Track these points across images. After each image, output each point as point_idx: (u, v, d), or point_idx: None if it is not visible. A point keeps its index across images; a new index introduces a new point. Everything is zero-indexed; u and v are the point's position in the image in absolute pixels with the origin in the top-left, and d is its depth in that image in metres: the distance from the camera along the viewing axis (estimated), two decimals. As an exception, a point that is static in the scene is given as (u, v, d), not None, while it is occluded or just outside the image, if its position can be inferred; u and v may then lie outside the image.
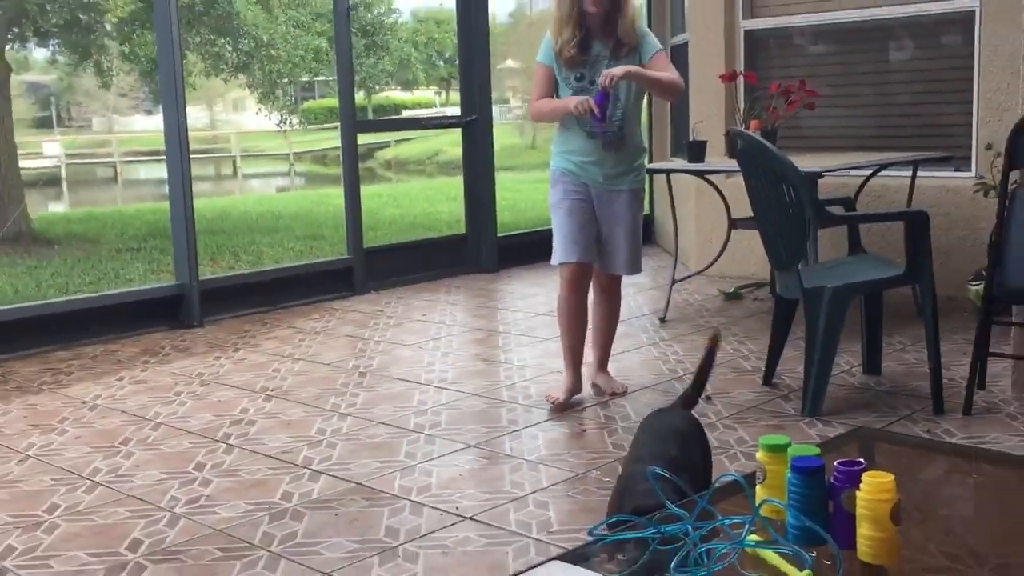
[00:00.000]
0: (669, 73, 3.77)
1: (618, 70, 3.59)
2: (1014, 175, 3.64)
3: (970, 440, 3.35)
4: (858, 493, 1.62)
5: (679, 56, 7.15)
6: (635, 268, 3.95)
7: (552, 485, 3.11)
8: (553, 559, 1.77)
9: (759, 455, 1.80)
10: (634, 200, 3.87)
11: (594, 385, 4.06)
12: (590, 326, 4.01)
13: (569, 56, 3.73)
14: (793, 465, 1.70)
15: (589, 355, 4.08)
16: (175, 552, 2.71)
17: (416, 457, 3.38)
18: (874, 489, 1.60)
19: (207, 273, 6.28)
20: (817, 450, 1.75)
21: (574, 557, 1.75)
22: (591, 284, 3.97)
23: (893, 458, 2.29)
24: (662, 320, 5.24)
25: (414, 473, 3.23)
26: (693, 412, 2.69)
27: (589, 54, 3.75)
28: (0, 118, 10.02)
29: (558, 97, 3.83)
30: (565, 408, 3.82)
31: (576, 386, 3.92)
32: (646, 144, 4.02)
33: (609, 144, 3.77)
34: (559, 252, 3.85)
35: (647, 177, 4.01)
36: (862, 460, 1.71)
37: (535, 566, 1.76)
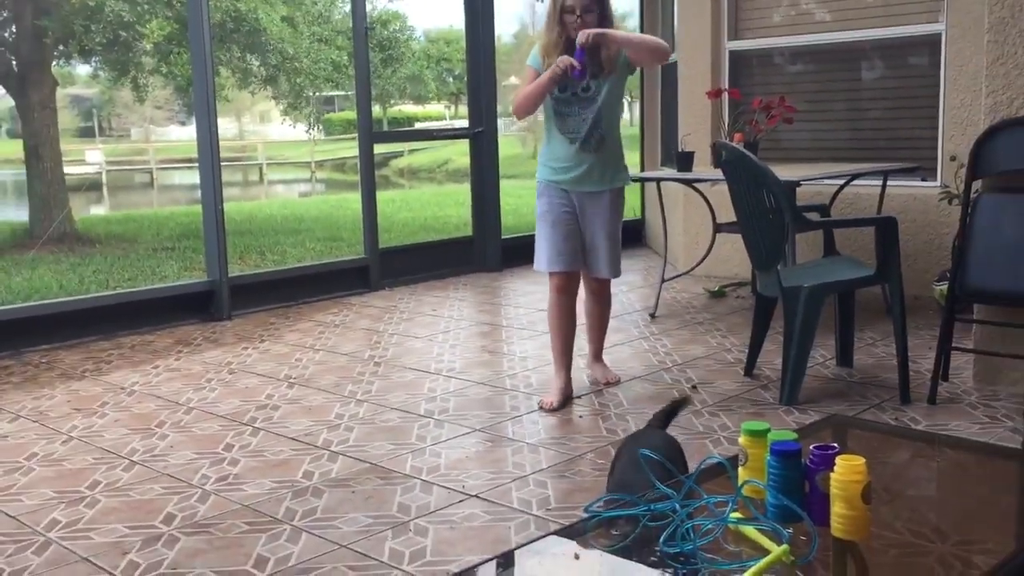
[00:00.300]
0: (649, 36, 3.60)
1: (594, 30, 3.44)
2: (976, 185, 3.64)
3: (934, 427, 3.35)
4: (832, 475, 1.62)
5: (669, 74, 7.15)
6: (618, 270, 3.83)
7: (551, 466, 3.11)
8: (551, 534, 1.77)
9: (741, 439, 1.80)
10: (614, 201, 3.74)
11: (590, 375, 4.04)
12: (585, 322, 3.96)
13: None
14: (772, 449, 1.70)
15: (585, 347, 4.07)
16: (205, 525, 2.71)
17: (426, 440, 3.37)
18: (846, 471, 1.60)
19: (236, 271, 6.27)
20: (794, 435, 1.75)
21: (570, 532, 1.75)
22: (581, 287, 3.89)
23: (864, 443, 2.29)
24: (652, 316, 5.23)
25: (424, 455, 3.23)
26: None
27: (572, 77, 3.55)
28: (47, 128, 10.03)
29: (545, 113, 3.69)
30: (558, 411, 3.65)
31: (567, 388, 3.78)
32: (625, 151, 3.85)
33: (588, 148, 3.64)
34: (544, 261, 3.73)
35: (631, 183, 3.88)
36: (836, 444, 1.71)
37: (535, 540, 1.76)
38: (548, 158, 3.73)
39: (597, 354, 4.05)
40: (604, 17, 3.55)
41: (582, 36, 3.45)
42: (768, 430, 1.78)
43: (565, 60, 3.44)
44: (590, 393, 3.88)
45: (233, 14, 9.44)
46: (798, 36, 6.06)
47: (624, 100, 3.89)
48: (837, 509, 1.60)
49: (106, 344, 4.93)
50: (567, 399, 3.74)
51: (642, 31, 7.78)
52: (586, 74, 3.52)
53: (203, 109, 5.37)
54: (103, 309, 5.16)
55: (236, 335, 5.08)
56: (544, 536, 1.78)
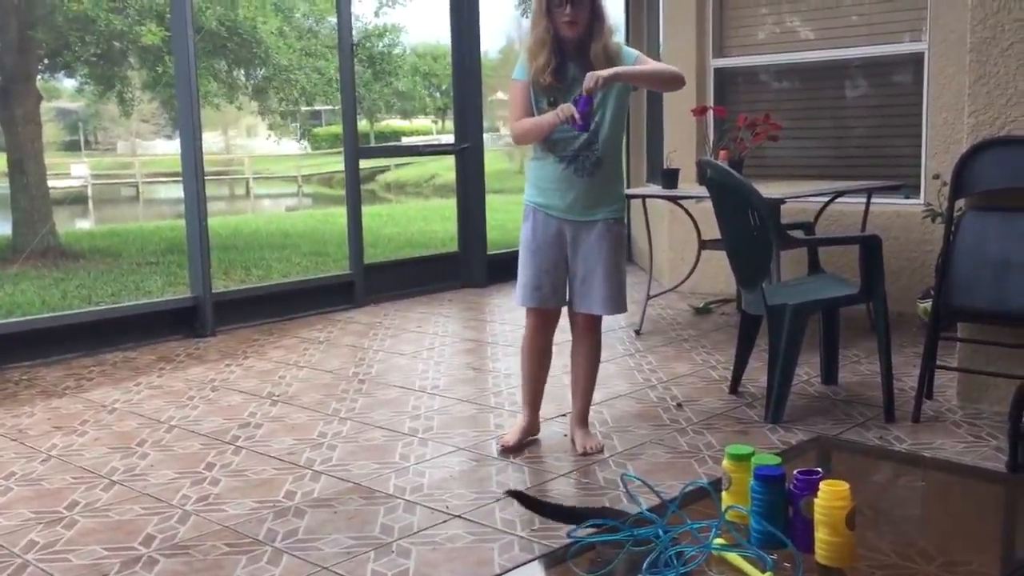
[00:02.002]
0: (661, 64, 3.32)
1: (604, 72, 3.05)
2: (959, 203, 3.65)
3: (919, 446, 3.34)
4: (816, 500, 1.60)
5: (654, 91, 7.16)
6: (616, 307, 3.33)
7: (535, 485, 3.08)
8: (535, 559, 1.75)
9: (725, 463, 1.79)
10: (608, 232, 3.28)
11: (571, 439, 3.45)
12: (571, 373, 3.51)
13: (545, 84, 3.19)
14: (756, 473, 1.68)
15: (564, 397, 3.70)
16: (185, 547, 2.68)
17: (410, 459, 3.35)
18: (830, 497, 1.59)
19: (220, 286, 6.24)
20: (779, 460, 1.73)
21: (553, 558, 1.73)
22: (571, 324, 3.44)
23: (848, 464, 2.28)
24: (638, 332, 5.22)
25: (408, 474, 3.20)
26: None
27: (564, 79, 3.20)
28: (31, 142, 9.97)
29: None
30: (517, 451, 3.36)
31: (532, 426, 3.46)
32: (624, 171, 3.48)
33: (582, 171, 3.23)
34: (519, 295, 3.38)
35: (625, 206, 3.44)
36: (819, 469, 1.70)
37: (519, 565, 1.74)
38: (536, 178, 3.31)
39: (580, 416, 3.45)
40: (595, 13, 3.18)
41: (589, 80, 3.03)
42: (752, 454, 1.76)
43: (567, 110, 3.08)
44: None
45: (228, 22, 9.41)
46: (783, 54, 6.09)
47: (626, 116, 3.42)
48: (821, 535, 1.59)
49: (88, 361, 4.89)
50: (528, 437, 3.46)
51: (627, 44, 7.80)
52: (588, 126, 3.15)
53: (187, 122, 5.34)
54: (85, 325, 5.11)
55: (220, 352, 5.04)
56: (528, 562, 1.76)
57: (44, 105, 11.33)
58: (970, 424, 3.55)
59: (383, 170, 24.40)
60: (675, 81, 3.26)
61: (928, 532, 1.90)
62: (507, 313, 5.91)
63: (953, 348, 3.83)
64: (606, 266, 3.28)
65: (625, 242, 3.45)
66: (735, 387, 4.05)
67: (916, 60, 5.47)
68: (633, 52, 3.25)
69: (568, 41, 3.19)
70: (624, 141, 3.47)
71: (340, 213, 8.04)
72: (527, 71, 3.23)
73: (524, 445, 3.42)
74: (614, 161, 3.32)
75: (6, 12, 9.97)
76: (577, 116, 3.07)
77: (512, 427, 3.51)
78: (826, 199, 5.22)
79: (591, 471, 3.18)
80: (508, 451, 3.37)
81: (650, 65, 3.26)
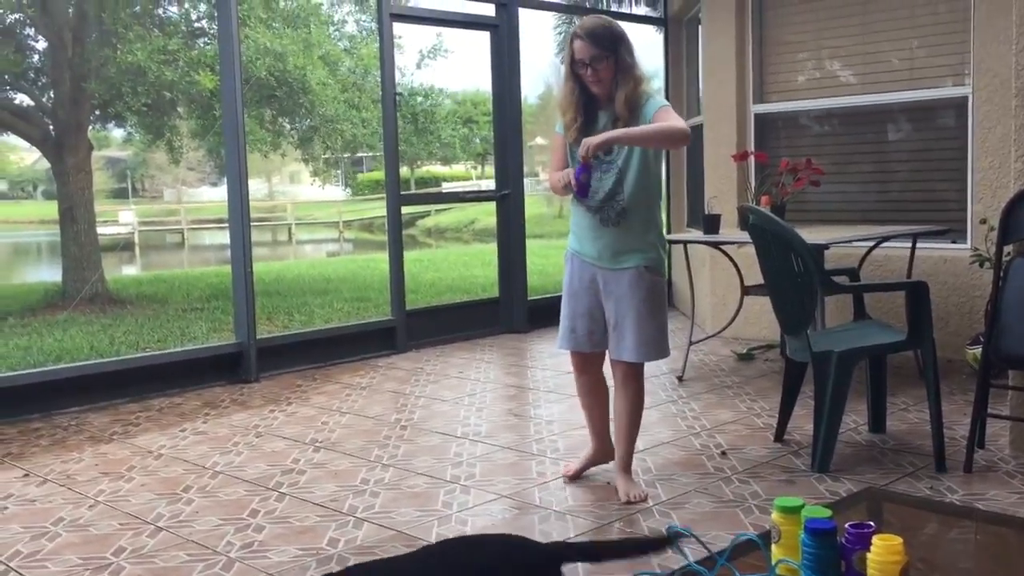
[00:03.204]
0: (663, 122, 3.13)
1: (595, 139, 3.09)
2: (1007, 248, 3.60)
3: (971, 497, 3.27)
4: (869, 555, 1.58)
5: (695, 136, 7.18)
6: (649, 354, 3.34)
7: (579, 534, 3.05)
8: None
9: (774, 516, 1.76)
10: (640, 280, 3.28)
11: (615, 487, 3.43)
12: (614, 421, 3.49)
13: (572, 139, 3.30)
14: (807, 526, 1.66)
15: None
16: (230, 595, 2.68)
17: (452, 507, 3.34)
18: (884, 551, 1.56)
19: (264, 332, 6.31)
20: (829, 512, 1.71)
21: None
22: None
23: (900, 517, 2.24)
24: (680, 379, 5.19)
25: (451, 522, 3.19)
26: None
27: (595, 127, 3.27)
28: (82, 191, 10.20)
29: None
30: (577, 477, 3.54)
31: (596, 455, 3.57)
32: (659, 215, 3.40)
33: (607, 220, 3.28)
34: (558, 338, 3.50)
35: (663, 253, 3.38)
36: (871, 523, 1.67)
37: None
38: (573, 224, 3.42)
39: (623, 463, 3.43)
40: (620, 63, 3.21)
41: (581, 149, 3.11)
42: (802, 506, 1.74)
43: (566, 177, 3.22)
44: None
45: (276, 72, 9.62)
46: (823, 99, 6.08)
47: (660, 165, 3.38)
48: (875, 590, 1.56)
49: (134, 406, 4.95)
50: (594, 465, 3.60)
51: (667, 93, 7.84)
52: (587, 192, 3.24)
53: (234, 171, 5.45)
54: (132, 371, 5.19)
55: (263, 397, 5.08)
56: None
57: (94, 154, 11.62)
58: (1023, 475, 3.47)
59: (423, 215, 24.64)
60: (675, 139, 3.23)
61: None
62: (548, 359, 5.90)
63: (1005, 396, 3.75)
64: (637, 314, 3.30)
65: (662, 289, 3.37)
66: (780, 435, 4.00)
67: (960, 104, 5.44)
68: (658, 103, 3.22)
69: (598, 94, 3.28)
70: (662, 189, 3.42)
71: (381, 258, 8.12)
72: (562, 125, 3.37)
73: (591, 469, 3.59)
74: (644, 211, 3.31)
75: (60, 66, 10.28)
76: (573, 183, 3.18)
77: (581, 454, 3.66)
78: (871, 244, 5.17)
79: (635, 520, 3.15)
80: (569, 479, 3.54)
81: (651, 126, 3.15)
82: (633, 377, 3.40)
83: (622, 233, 3.29)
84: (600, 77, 3.23)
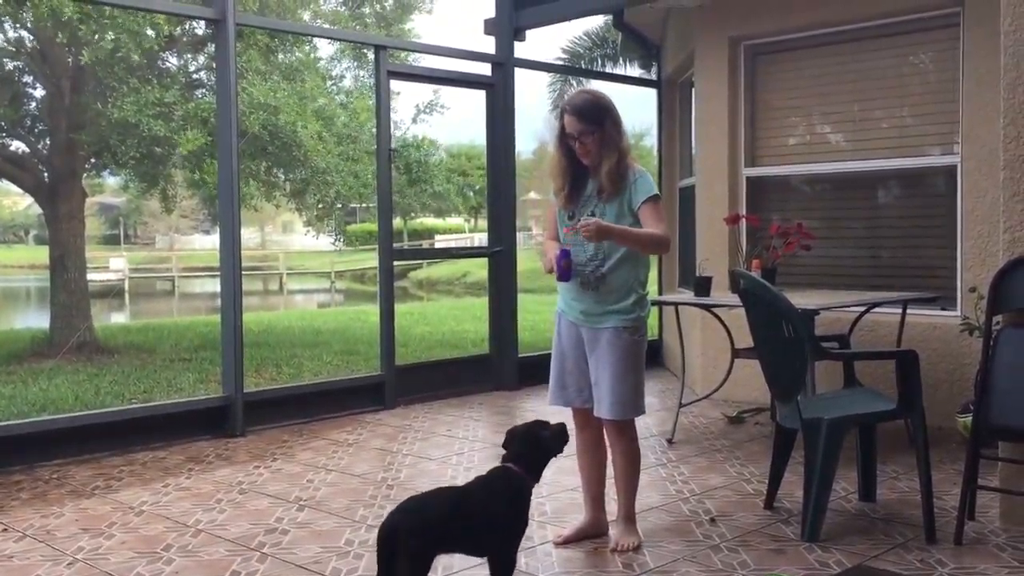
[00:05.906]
0: (649, 229, 3.36)
1: (601, 227, 3.25)
2: (997, 318, 3.62)
3: (961, 571, 3.24)
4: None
5: (686, 198, 7.25)
6: (624, 411, 3.45)
7: (565, 603, 3.01)
8: None
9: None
10: (618, 340, 3.42)
11: (609, 535, 3.59)
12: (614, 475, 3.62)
13: (561, 204, 3.53)
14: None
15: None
16: (207, 661, 2.63)
17: (437, 571, 3.29)
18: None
19: (251, 384, 6.28)
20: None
21: None
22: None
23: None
24: (670, 441, 5.16)
25: (435, 587, 3.15)
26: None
27: (582, 194, 3.49)
28: (74, 238, 10.21)
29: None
30: (568, 543, 3.54)
31: (589, 526, 3.59)
32: (642, 279, 3.53)
33: (587, 284, 3.45)
34: (549, 394, 3.67)
35: (643, 315, 3.49)
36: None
37: None
38: (560, 285, 3.55)
39: (623, 512, 3.56)
40: (605, 137, 3.37)
41: (585, 231, 3.26)
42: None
43: (549, 262, 3.42)
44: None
45: (270, 127, 9.71)
46: (815, 164, 6.16)
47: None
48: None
49: (118, 460, 4.90)
50: (584, 536, 3.57)
51: (659, 154, 7.93)
52: (570, 276, 3.41)
53: (227, 227, 5.46)
54: (116, 424, 5.14)
55: (249, 453, 5.04)
56: None
57: (88, 199, 11.65)
58: (1014, 548, 3.44)
59: (416, 267, 24.71)
60: (660, 248, 3.45)
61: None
62: (538, 418, 5.86)
63: (995, 465, 3.74)
64: (613, 372, 3.44)
65: (639, 350, 3.47)
66: (770, 502, 3.97)
67: (949, 172, 5.51)
68: (645, 190, 3.39)
69: (586, 164, 3.48)
70: (645, 259, 3.55)
71: (372, 311, 8.13)
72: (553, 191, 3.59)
73: (581, 539, 3.56)
74: (623, 276, 3.46)
75: (56, 114, 10.35)
76: (555, 269, 3.38)
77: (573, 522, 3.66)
78: (861, 310, 5.19)
79: (622, 589, 3.11)
80: (559, 544, 3.53)
81: (644, 233, 3.34)
82: (620, 432, 3.53)
83: (602, 296, 3.46)
84: (588, 149, 3.43)
